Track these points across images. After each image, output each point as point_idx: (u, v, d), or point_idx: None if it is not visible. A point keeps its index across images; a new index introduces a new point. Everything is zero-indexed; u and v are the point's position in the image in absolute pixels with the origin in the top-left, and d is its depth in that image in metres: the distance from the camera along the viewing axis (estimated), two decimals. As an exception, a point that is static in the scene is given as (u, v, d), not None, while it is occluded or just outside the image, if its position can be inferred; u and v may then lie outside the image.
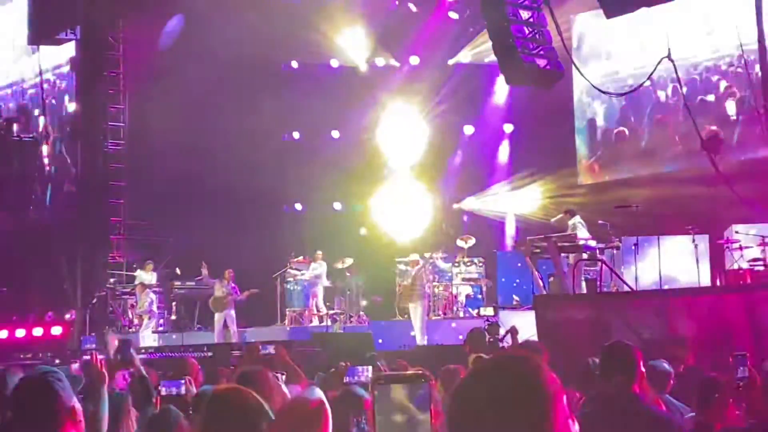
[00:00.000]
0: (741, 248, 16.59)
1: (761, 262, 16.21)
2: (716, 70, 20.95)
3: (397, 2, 25.31)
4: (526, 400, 2.06)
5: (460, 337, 18.07)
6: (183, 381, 6.53)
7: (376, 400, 1.97)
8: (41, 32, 24.28)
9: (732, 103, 20.69)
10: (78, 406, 3.60)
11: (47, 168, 26.58)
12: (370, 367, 6.03)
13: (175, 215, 24.98)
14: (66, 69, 26.85)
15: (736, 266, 16.49)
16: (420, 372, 2.08)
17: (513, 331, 13.07)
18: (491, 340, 14.03)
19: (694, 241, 17.13)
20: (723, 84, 20.85)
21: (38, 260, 24.82)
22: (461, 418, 2.08)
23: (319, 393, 2.58)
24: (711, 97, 20.97)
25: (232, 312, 21.04)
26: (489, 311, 16.28)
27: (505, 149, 25.08)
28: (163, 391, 6.64)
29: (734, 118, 20.58)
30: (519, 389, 2.06)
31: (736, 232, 16.95)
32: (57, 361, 19.71)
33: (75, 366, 13.26)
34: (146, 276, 22.68)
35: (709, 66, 21.02)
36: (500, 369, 2.14)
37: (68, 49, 26.53)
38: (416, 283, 18.35)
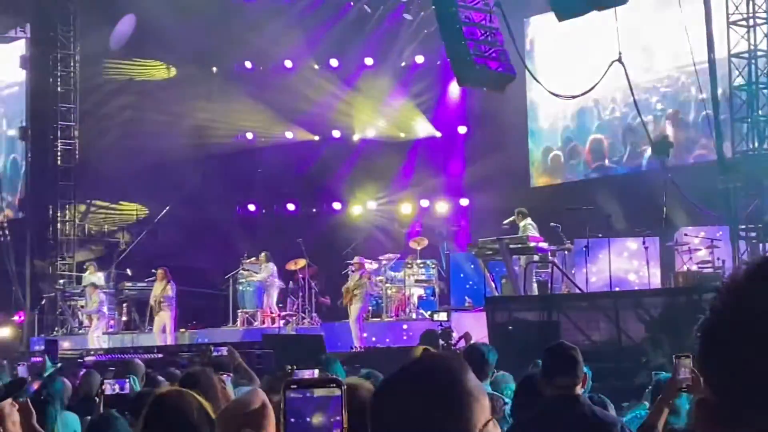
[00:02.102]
0: (690, 251, 16.75)
1: (709, 265, 16.39)
2: (665, 76, 21.17)
3: (352, 3, 25.30)
4: (446, 403, 2.04)
5: (405, 337, 18.14)
6: (127, 380, 6.45)
7: (287, 405, 1.95)
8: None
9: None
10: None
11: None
12: (317, 371, 5.99)
13: (126, 215, 24.81)
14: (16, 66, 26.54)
15: (685, 268, 16.64)
16: (332, 377, 2.07)
17: (467, 337, 13.13)
18: (444, 345, 14.07)
19: (644, 243, 17.26)
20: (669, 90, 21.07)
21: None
22: (381, 417, 2.06)
23: (261, 394, 2.54)
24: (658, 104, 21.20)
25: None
26: (443, 316, 16.27)
27: (459, 150, 25.17)
28: (108, 390, 6.55)
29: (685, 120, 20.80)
30: (439, 392, 2.04)
31: (686, 235, 17.11)
32: (4, 362, 19.46)
33: (21, 369, 13.10)
34: (93, 277, 22.46)
35: (660, 69, 21.24)
36: (421, 371, 2.12)
37: (19, 47, 26.27)
38: (357, 286, 18.36)
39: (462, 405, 2.04)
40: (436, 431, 2.02)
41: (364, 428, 2.05)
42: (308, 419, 1.95)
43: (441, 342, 13.75)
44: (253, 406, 2.47)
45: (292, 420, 1.95)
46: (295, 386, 1.99)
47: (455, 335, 14.30)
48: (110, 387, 6.50)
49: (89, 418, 6.63)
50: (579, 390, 5.04)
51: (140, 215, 26.67)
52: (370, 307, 19.54)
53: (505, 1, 14.36)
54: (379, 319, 19.62)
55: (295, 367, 5.99)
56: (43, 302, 24.25)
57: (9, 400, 4.25)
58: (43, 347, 18.97)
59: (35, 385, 8.54)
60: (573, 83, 21.90)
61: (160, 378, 6.79)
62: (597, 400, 5.54)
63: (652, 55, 21.07)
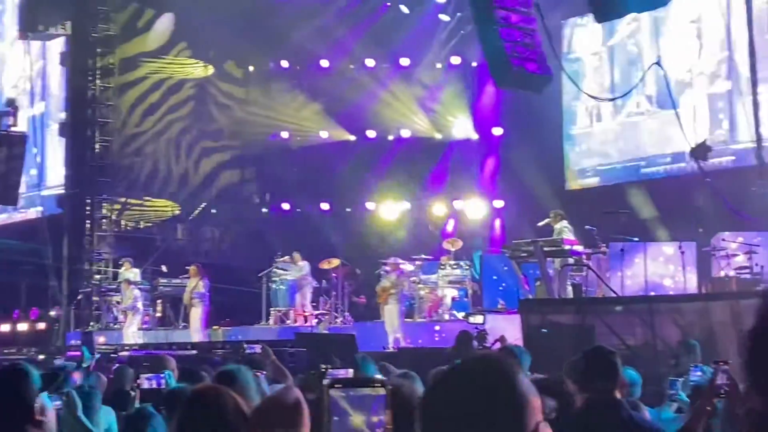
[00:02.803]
0: (728, 256, 16.59)
1: (747, 271, 16.22)
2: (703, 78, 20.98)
3: (388, 3, 25.29)
4: (499, 404, 2.03)
5: (437, 338, 18.11)
6: (163, 375, 6.48)
7: (332, 404, 1.96)
8: (31, 26, 24.13)
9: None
10: (40, 405, 3.56)
11: (36, 163, 26.49)
12: (351, 370, 5.99)
13: (161, 212, 24.94)
14: (56, 64, 26.78)
15: (722, 273, 16.49)
16: (376, 377, 2.09)
17: (502, 340, 13.06)
18: (480, 348, 14.01)
19: (680, 248, 17.11)
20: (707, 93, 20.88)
21: (25, 256, 24.74)
22: (434, 414, 2.06)
23: (296, 392, 2.54)
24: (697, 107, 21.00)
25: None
26: (479, 319, 16.22)
27: (495, 152, 25.08)
28: (145, 384, 6.60)
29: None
30: (492, 392, 2.04)
31: (723, 240, 16.94)
32: (41, 357, 19.68)
33: (58, 363, 13.22)
34: (128, 273, 22.59)
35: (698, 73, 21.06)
36: (474, 371, 2.11)
37: (59, 44, 26.49)
38: (394, 285, 18.35)
39: (516, 405, 2.04)
40: (489, 431, 2.02)
41: (407, 428, 2.05)
42: (352, 418, 1.96)
43: (476, 344, 13.69)
44: (287, 403, 2.46)
45: (336, 418, 1.96)
46: (339, 385, 2.00)
47: (490, 338, 14.24)
48: (147, 382, 6.54)
49: (123, 412, 6.67)
50: (617, 394, 5.00)
51: (175, 212, 26.83)
52: (403, 308, 19.53)
53: (543, 2, 14.26)
54: (411, 320, 19.59)
55: (329, 367, 5.99)
56: (79, 298, 24.44)
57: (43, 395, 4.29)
58: (79, 341, 19.15)
59: (77, 377, 8.60)
60: (609, 86, 21.81)
61: (203, 373, 6.82)
62: (632, 402, 5.50)
63: (691, 58, 20.89)
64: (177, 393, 5.99)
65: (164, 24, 25.59)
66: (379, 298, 18.60)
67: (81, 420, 4.85)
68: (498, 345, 12.89)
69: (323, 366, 5.94)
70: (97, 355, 14.72)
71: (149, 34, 25.85)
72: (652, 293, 16.27)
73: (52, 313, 24.83)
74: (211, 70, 26.96)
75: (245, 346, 11.27)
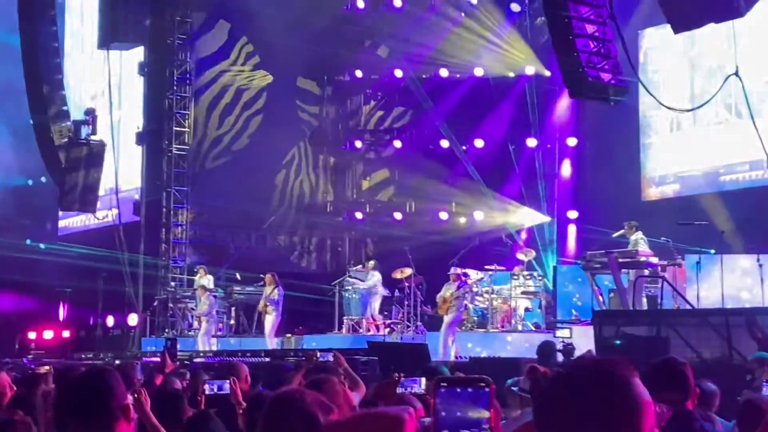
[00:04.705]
0: (807, 269, 16.29)
1: (827, 284, 15.92)
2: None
3: (463, 14, 25.28)
4: (616, 407, 2.07)
5: (509, 348, 18.05)
6: (228, 381, 6.58)
7: (439, 401, 2.10)
8: (111, 36, 24.68)
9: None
10: (131, 404, 3.65)
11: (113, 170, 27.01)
12: (424, 379, 6.02)
13: (238, 221, 25.20)
14: (134, 73, 27.27)
15: (801, 287, 16.19)
16: (482, 376, 2.17)
17: (587, 356, 12.99)
18: (564, 361, 13.94)
19: (759, 260, 16.84)
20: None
21: (102, 263, 25.20)
22: (550, 421, 2.10)
23: (410, 412, 2.58)
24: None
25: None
26: (566, 333, 16.25)
27: (568, 163, 24.89)
28: (207, 390, 6.70)
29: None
30: (610, 395, 2.07)
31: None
32: (117, 362, 19.99)
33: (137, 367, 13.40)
34: (203, 280, 22.87)
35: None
36: (592, 373, 2.13)
37: (138, 54, 26.99)
38: (455, 296, 18.33)
39: (634, 409, 2.07)
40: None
41: None
42: (458, 414, 2.06)
43: (562, 358, 13.65)
44: (391, 420, 2.49)
45: (443, 414, 2.09)
46: (445, 384, 2.09)
47: (577, 352, 14.17)
48: (209, 388, 6.67)
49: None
50: (689, 405, 4.96)
51: (250, 220, 27.08)
52: (469, 317, 19.54)
53: (620, 13, 14.19)
54: (484, 330, 19.56)
55: (403, 375, 6.03)
56: (155, 304, 24.80)
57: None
58: (163, 347, 19.41)
59: (158, 381, 8.76)
60: (688, 97, 21.55)
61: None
62: (705, 415, 5.45)
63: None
64: (253, 398, 6.10)
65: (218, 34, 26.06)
66: (439, 308, 18.59)
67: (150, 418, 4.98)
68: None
69: (396, 374, 5.98)
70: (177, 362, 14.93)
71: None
72: (729, 306, 16.03)
73: (130, 319, 25.22)
74: (269, 78, 27.11)
75: (318, 354, 11.33)
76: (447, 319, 18.23)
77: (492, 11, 24.64)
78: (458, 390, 2.12)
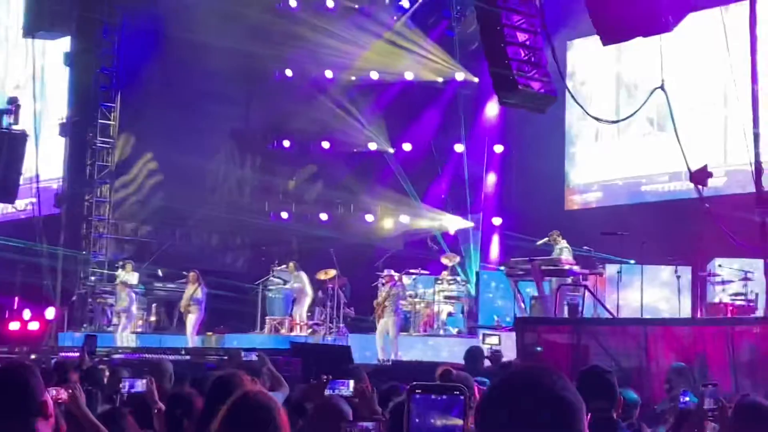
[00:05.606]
0: (723, 282, 16.64)
1: (742, 297, 16.27)
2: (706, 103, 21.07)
3: (395, 18, 25.34)
4: (556, 411, 2.09)
5: (430, 353, 18.13)
6: (144, 380, 6.50)
7: (411, 408, 2.12)
8: (36, 25, 24.18)
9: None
10: (50, 400, 3.58)
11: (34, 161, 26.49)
12: (352, 381, 6.01)
13: (161, 216, 24.92)
14: (59, 64, 26.80)
15: (717, 299, 16.52)
16: (457, 384, 2.19)
17: (514, 363, 13.09)
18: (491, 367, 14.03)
19: (676, 272, 17.17)
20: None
21: (20, 255, 24.69)
22: (491, 427, 2.11)
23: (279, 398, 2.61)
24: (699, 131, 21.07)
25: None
26: (494, 340, 16.38)
27: (495, 169, 25.10)
28: (123, 389, 6.62)
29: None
30: (549, 400, 2.10)
31: (719, 266, 17.00)
32: (33, 357, 19.62)
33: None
34: (128, 276, 22.57)
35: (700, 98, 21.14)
36: (529, 379, 2.16)
37: (64, 44, 26.54)
38: (387, 297, 18.36)
39: (570, 413, 2.10)
40: None
41: None
42: (432, 421, 2.09)
43: (488, 364, 13.74)
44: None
45: (416, 420, 2.12)
46: (419, 390, 2.12)
47: (504, 359, 14.30)
48: (123, 386, 6.60)
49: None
50: (614, 415, 5.02)
51: (174, 216, 26.78)
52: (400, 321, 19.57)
53: (551, 22, 14.34)
54: (406, 334, 19.61)
55: (330, 377, 6.01)
56: (73, 298, 24.40)
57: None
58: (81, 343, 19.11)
59: (75, 377, 8.62)
60: (614, 108, 21.88)
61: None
62: (635, 424, 5.52)
63: (695, 83, 20.96)
64: (175, 396, 6.03)
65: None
66: (375, 312, 18.60)
67: (85, 413, 4.90)
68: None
69: (324, 376, 5.96)
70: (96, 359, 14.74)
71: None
72: (648, 316, 16.31)
73: (47, 313, 24.75)
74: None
75: (242, 353, 11.29)
76: (383, 321, 18.21)
77: (422, 17, 24.79)
78: (432, 397, 2.13)
